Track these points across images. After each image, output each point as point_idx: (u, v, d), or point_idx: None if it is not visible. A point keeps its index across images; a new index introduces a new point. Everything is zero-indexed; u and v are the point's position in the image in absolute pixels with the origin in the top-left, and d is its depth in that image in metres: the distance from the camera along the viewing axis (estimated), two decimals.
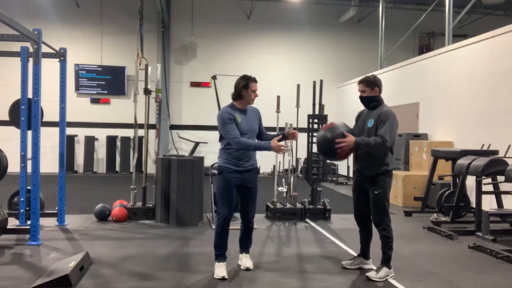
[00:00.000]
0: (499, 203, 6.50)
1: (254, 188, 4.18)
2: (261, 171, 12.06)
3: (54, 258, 4.47)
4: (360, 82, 4.13)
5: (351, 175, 11.43)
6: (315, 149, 7.08)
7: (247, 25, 14.39)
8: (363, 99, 4.13)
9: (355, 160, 4.20)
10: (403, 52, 13.85)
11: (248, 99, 4.10)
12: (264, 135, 4.31)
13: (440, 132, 8.97)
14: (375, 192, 3.98)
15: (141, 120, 6.82)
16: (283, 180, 7.03)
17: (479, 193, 5.90)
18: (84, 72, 13.45)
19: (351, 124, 4.35)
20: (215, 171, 4.27)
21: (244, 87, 4.05)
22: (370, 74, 4.24)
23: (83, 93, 13.51)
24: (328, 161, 7.95)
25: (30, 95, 5.04)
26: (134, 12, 11.05)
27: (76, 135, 13.29)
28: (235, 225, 4.57)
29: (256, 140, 4.14)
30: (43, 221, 5.79)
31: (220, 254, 4.05)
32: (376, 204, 4.00)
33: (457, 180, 6.64)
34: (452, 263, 4.61)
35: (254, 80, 4.11)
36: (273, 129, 7.07)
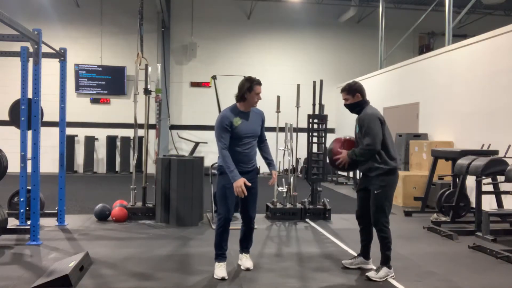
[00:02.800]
0: (499, 203, 6.50)
1: (254, 189, 4.15)
2: (261, 171, 12.05)
3: (54, 258, 4.47)
4: (342, 90, 4.25)
5: (351, 175, 11.44)
6: (315, 149, 7.11)
7: (247, 25, 14.39)
8: (347, 107, 4.25)
9: (359, 163, 4.23)
10: (403, 52, 13.85)
11: (251, 101, 4.05)
12: (264, 144, 4.27)
13: (440, 132, 8.97)
14: (375, 192, 4.02)
15: (141, 120, 6.82)
16: (283, 180, 7.03)
17: (479, 193, 5.90)
18: (84, 72, 13.44)
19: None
20: (215, 171, 4.26)
21: (248, 90, 4.00)
22: (351, 80, 4.35)
23: (83, 93, 13.51)
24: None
25: (30, 95, 5.04)
26: (134, 12, 11.03)
27: (76, 135, 13.29)
28: (236, 225, 4.57)
29: (233, 166, 3.91)
30: (43, 221, 5.79)
31: (220, 254, 4.04)
32: (375, 204, 4.02)
33: (457, 180, 6.63)
34: (452, 263, 4.61)
35: (258, 83, 4.05)
36: (273, 129, 7.09)
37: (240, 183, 3.85)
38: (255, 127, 4.11)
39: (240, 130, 3.99)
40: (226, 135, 3.95)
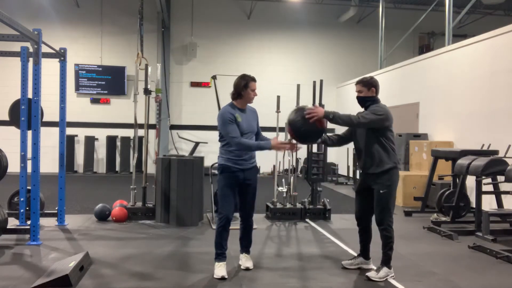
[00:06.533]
0: (499, 203, 6.50)
1: (254, 186, 4.20)
2: (261, 171, 12.06)
3: (54, 258, 4.47)
4: (358, 82, 4.20)
5: (351, 175, 11.44)
6: (315, 149, 7.10)
7: (247, 25, 14.39)
8: (359, 99, 4.19)
9: (358, 159, 4.21)
10: (403, 52, 13.84)
11: (247, 98, 4.13)
12: (260, 136, 4.32)
13: (440, 132, 8.97)
14: (380, 191, 3.99)
15: (141, 120, 6.82)
16: (283, 180, 7.03)
17: (479, 193, 5.90)
18: (84, 72, 13.44)
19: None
20: (215, 171, 4.27)
21: (244, 87, 4.08)
22: (367, 75, 4.29)
23: (83, 93, 13.51)
24: (326, 160, 7.92)
25: (30, 95, 5.05)
26: (134, 12, 11.05)
27: (76, 135, 13.29)
28: (235, 225, 4.57)
29: (254, 143, 4.12)
30: (43, 221, 5.79)
31: (220, 253, 4.05)
32: (380, 203, 4.00)
33: (457, 180, 6.64)
34: (452, 263, 4.61)
35: (253, 80, 4.15)
36: (273, 129, 7.09)
37: (275, 142, 4.10)
38: (252, 124, 4.19)
39: (242, 126, 4.04)
40: (233, 127, 3.99)
